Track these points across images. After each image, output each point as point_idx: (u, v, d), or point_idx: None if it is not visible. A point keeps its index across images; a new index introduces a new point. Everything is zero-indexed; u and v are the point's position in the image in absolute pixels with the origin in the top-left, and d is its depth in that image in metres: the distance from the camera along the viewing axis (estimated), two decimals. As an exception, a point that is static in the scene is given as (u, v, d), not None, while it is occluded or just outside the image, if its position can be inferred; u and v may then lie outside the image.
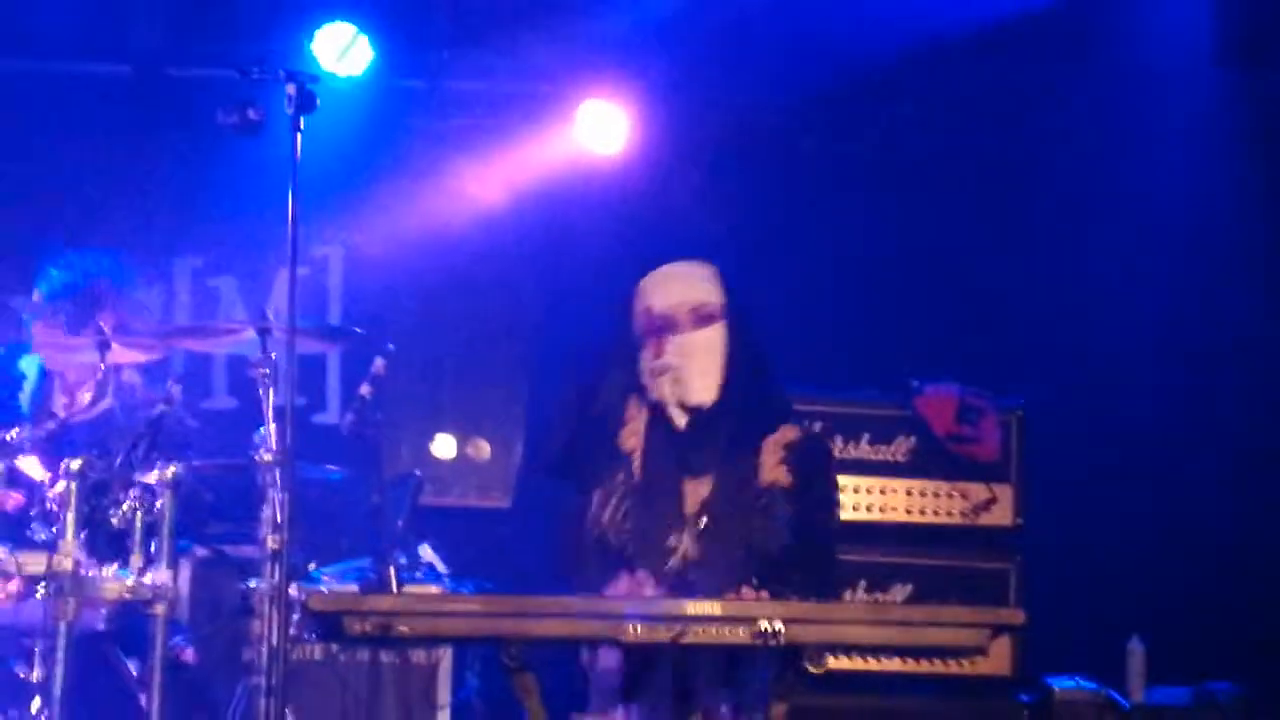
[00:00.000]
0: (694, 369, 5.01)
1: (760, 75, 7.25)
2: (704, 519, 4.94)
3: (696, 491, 4.99)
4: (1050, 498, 6.68)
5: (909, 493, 6.51)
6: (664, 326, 5.04)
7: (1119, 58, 7.15)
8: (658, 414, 5.02)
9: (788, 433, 5.09)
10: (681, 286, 5.08)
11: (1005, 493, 6.53)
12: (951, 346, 7.12)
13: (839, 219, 7.37)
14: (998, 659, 6.28)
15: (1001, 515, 6.52)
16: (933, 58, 7.14)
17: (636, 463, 5.04)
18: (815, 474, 5.10)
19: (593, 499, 5.03)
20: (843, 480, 6.44)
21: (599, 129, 7.31)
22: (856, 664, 6.16)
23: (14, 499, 5.25)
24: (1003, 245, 7.34)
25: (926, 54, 7.10)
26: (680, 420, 5.00)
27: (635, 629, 4.44)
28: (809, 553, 4.99)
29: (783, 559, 4.94)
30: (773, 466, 5.05)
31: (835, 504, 5.20)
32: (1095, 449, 7.15)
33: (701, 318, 5.04)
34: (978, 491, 6.52)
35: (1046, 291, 7.28)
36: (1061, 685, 6.31)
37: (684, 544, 4.94)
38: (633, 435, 5.06)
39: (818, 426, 6.46)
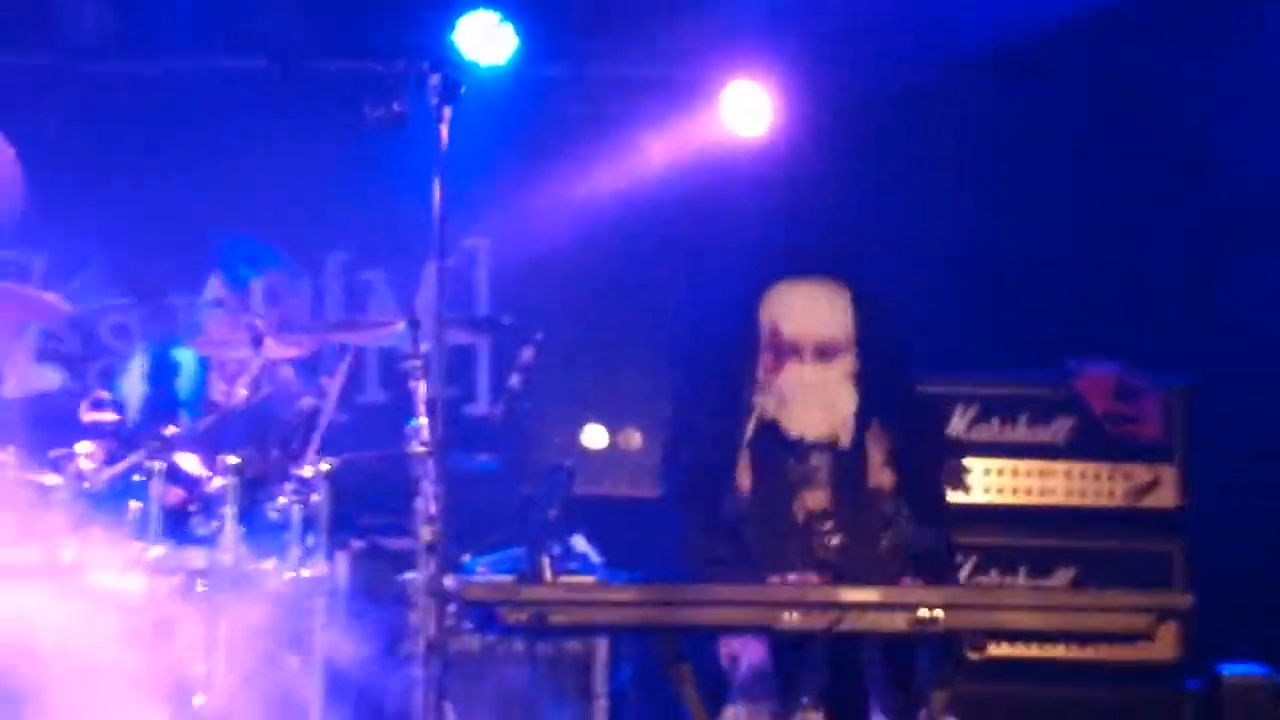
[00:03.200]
0: (802, 401, 5.01)
1: (905, 53, 7.15)
2: (828, 526, 4.92)
3: (815, 499, 4.97)
4: (1215, 478, 6.51)
5: (1069, 475, 6.38)
6: (786, 350, 5.03)
7: (1273, 37, 6.94)
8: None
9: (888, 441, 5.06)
10: (813, 314, 5.06)
11: (1169, 474, 6.38)
12: (1111, 327, 6.97)
13: (992, 196, 7.23)
14: (1164, 645, 6.13)
15: (1165, 497, 6.37)
16: (1082, 35, 6.99)
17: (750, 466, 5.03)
18: (923, 466, 5.07)
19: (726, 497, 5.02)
20: (1000, 463, 6.39)
21: (743, 111, 7.24)
22: (1019, 650, 6.06)
23: (174, 494, 5.33)
24: (1162, 223, 7.16)
25: (1075, 31, 6.95)
26: (757, 432, 5.00)
27: (791, 616, 4.41)
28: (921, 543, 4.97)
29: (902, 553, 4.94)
30: (878, 469, 5.01)
31: (942, 493, 5.19)
32: (1261, 427, 6.95)
33: (825, 352, 5.03)
34: (1140, 473, 6.38)
35: (1208, 269, 7.09)
36: (1232, 671, 6.15)
37: (814, 552, 4.92)
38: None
39: (974, 409, 6.38)
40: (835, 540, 4.93)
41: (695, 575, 4.95)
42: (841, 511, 4.96)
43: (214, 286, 5.99)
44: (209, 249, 6.10)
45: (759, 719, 4.77)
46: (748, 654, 4.80)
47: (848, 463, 5.02)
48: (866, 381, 5.05)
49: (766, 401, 5.04)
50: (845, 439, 5.01)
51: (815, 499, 4.99)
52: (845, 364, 5.05)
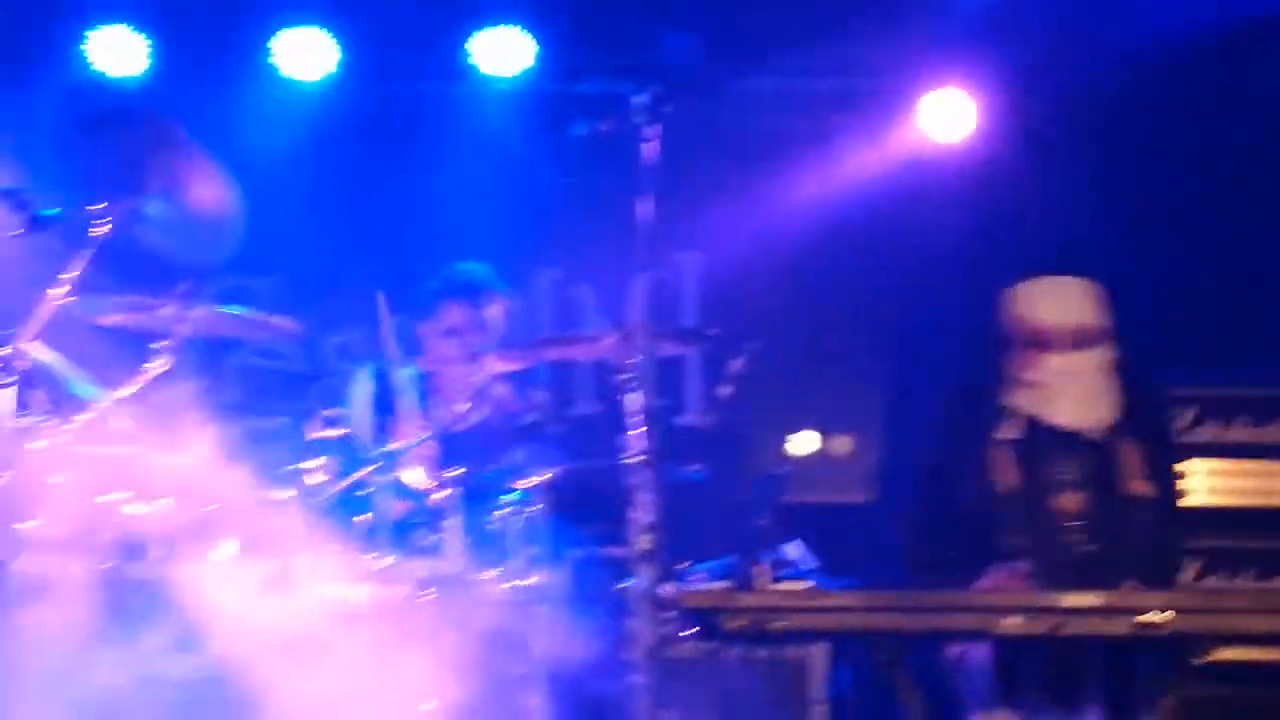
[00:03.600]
0: (1064, 391, 4.97)
1: (1106, 53, 7.06)
2: (1080, 528, 4.90)
3: (1070, 501, 4.94)
4: None
5: (1294, 475, 6.25)
6: (1040, 342, 5.00)
7: None
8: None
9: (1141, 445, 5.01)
10: (1064, 304, 5.04)
11: (1404, 472, 6.20)
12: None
13: (1193, 200, 7.10)
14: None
15: (1397, 496, 6.19)
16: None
17: (1012, 463, 5.00)
18: (1170, 479, 5.01)
19: (968, 485, 5.02)
20: (1224, 465, 6.27)
21: (943, 118, 7.22)
22: (1246, 654, 5.92)
23: (400, 507, 5.49)
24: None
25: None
26: (1013, 431, 4.94)
27: (1013, 622, 4.39)
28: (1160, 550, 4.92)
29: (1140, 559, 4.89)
30: (1134, 474, 4.96)
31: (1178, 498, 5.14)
32: None
33: (1082, 340, 5.00)
34: (1373, 471, 6.21)
35: None
36: None
37: (1064, 553, 4.90)
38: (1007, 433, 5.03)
39: (1195, 410, 6.28)
40: (1087, 544, 4.90)
41: (912, 578, 4.96)
42: (1095, 515, 4.93)
43: (452, 315, 6.13)
44: (441, 276, 6.24)
45: None
46: (974, 652, 4.80)
47: (1103, 464, 4.98)
48: (1124, 376, 5.02)
49: (1024, 397, 5.02)
50: (1104, 432, 4.97)
51: (1071, 500, 4.97)
52: (1102, 354, 5.03)
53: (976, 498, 4.98)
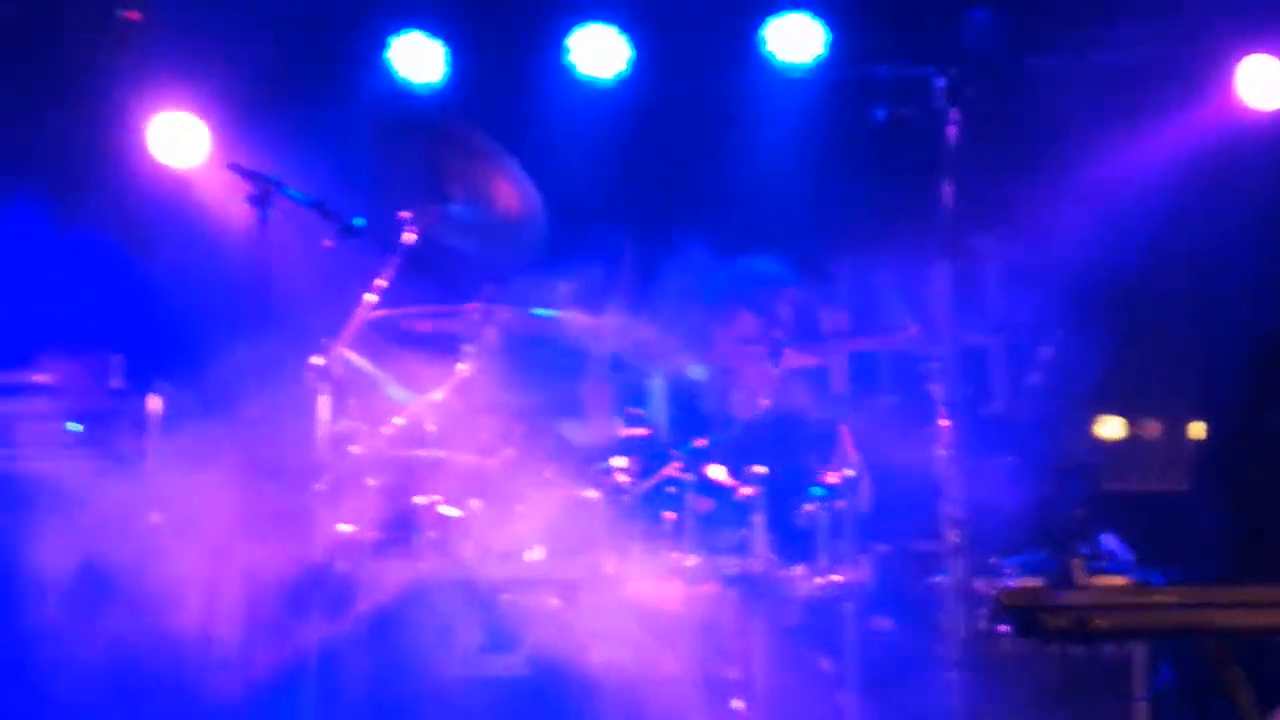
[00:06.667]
0: None
1: None
2: None
3: None
4: None
5: None
6: None
7: None
8: None
9: None
10: None
11: None
12: None
13: None
14: None
15: None
16: None
17: None
18: None
19: None
20: None
21: (1258, 86, 6.87)
22: None
23: (705, 504, 5.48)
24: None
25: None
26: None
27: (1354, 617, 4.14)
28: None
29: None
30: None
31: None
32: None
33: None
34: None
35: None
36: None
37: None
38: None
39: None
40: None
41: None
42: None
43: (744, 323, 6.10)
44: (732, 276, 6.20)
45: None
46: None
47: None
48: None
49: None
50: None
51: None
52: None
53: None
